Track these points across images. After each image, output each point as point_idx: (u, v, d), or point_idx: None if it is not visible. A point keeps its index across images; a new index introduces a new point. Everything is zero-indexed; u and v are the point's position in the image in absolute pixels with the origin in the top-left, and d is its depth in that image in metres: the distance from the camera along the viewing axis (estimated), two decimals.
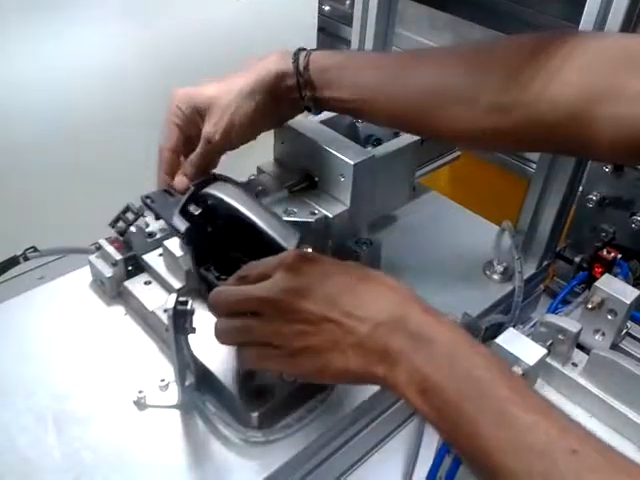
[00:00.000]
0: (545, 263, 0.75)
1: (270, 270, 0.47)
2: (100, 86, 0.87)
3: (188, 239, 0.59)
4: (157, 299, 0.62)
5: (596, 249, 0.72)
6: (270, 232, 0.57)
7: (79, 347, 0.60)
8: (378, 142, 0.79)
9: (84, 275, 0.68)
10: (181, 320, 0.49)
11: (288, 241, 0.57)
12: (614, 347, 0.64)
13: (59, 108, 0.84)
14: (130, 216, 0.66)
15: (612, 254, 0.70)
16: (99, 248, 0.66)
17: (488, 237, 0.76)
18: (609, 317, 0.61)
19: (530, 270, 0.73)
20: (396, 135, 0.76)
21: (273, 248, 0.56)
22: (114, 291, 0.65)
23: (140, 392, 0.55)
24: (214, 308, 0.50)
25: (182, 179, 0.62)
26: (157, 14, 0.91)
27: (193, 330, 0.51)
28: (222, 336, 0.49)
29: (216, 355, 0.56)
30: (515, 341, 0.56)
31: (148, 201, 0.65)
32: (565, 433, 0.37)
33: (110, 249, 0.65)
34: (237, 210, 0.59)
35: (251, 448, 0.52)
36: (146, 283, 0.64)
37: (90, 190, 0.88)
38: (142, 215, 0.66)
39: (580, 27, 0.61)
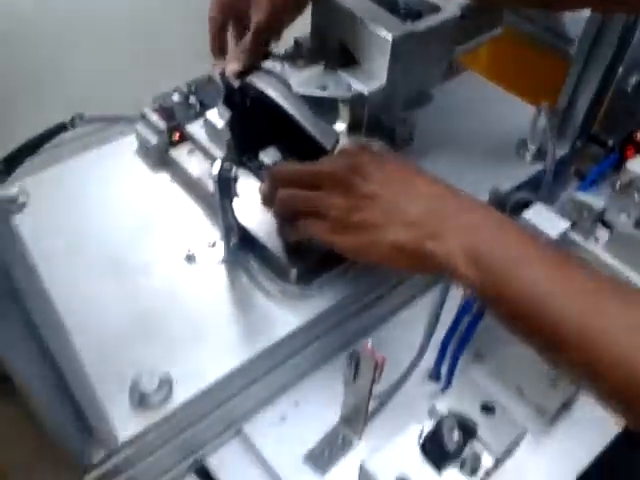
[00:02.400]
0: (578, 145, 0.76)
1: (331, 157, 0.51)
2: None
3: (231, 128, 0.62)
4: (201, 167, 0.66)
5: (630, 132, 0.72)
6: (310, 129, 0.60)
7: (131, 209, 0.65)
8: (418, 15, 0.77)
9: (131, 142, 0.71)
10: (226, 185, 0.53)
11: (327, 140, 0.59)
12: (637, 225, 0.66)
13: None
14: (176, 98, 0.68)
15: None
16: (144, 117, 0.69)
17: (524, 118, 0.76)
18: (636, 196, 0.63)
19: (563, 151, 0.74)
20: (436, 9, 0.74)
21: (311, 145, 0.59)
22: (159, 159, 0.69)
23: (189, 249, 0.61)
24: (275, 179, 0.53)
25: (232, 66, 0.62)
26: None
27: (237, 195, 0.55)
28: (280, 205, 0.53)
29: (257, 219, 0.60)
30: (541, 215, 0.58)
31: (192, 88, 0.68)
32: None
33: (154, 118, 0.68)
34: (278, 105, 0.61)
35: (289, 300, 0.58)
36: (189, 152, 0.68)
37: (138, 64, 0.90)
38: (187, 100, 0.69)
39: None
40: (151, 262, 0.60)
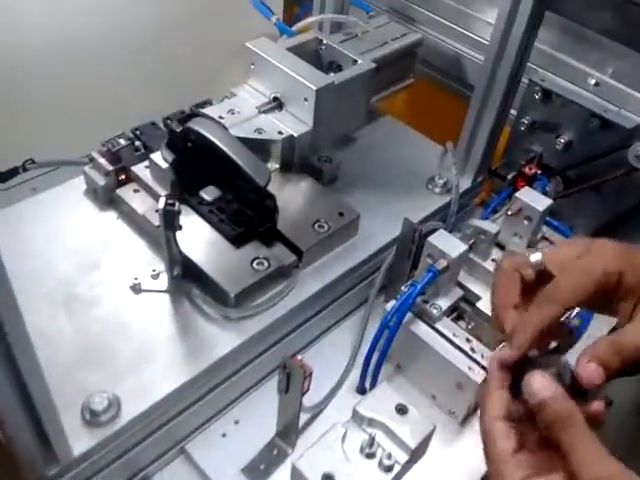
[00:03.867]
0: (480, 179, 0.87)
1: None
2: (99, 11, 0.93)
3: (174, 169, 0.70)
4: (146, 204, 0.72)
5: (520, 166, 0.84)
6: (246, 168, 0.68)
7: (78, 245, 0.71)
8: (339, 68, 0.88)
9: (79, 184, 0.77)
10: (170, 218, 0.60)
11: (260, 177, 0.68)
12: (529, 246, 0.77)
13: (60, 26, 0.90)
14: (122, 141, 0.75)
15: (532, 170, 0.82)
16: (92, 160, 0.75)
17: (433, 156, 0.88)
18: (525, 222, 0.74)
19: (465, 185, 0.86)
20: (355, 62, 0.85)
21: (247, 181, 0.67)
22: (106, 198, 0.75)
23: (135, 279, 0.67)
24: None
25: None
26: None
27: (180, 227, 0.62)
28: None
29: (199, 250, 0.67)
30: (444, 239, 0.68)
31: (137, 132, 0.75)
32: None
33: (102, 161, 0.74)
34: (216, 146, 0.69)
35: (228, 323, 0.65)
36: (135, 191, 0.74)
37: (84, 108, 0.96)
38: (132, 144, 0.76)
39: None
40: (100, 294, 0.66)
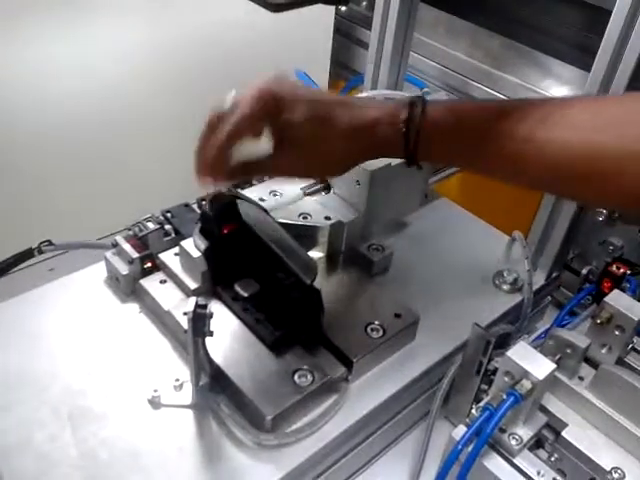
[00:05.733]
0: (554, 275, 0.76)
1: None
2: (119, 85, 0.87)
3: (207, 258, 0.61)
4: (172, 298, 0.63)
5: (605, 264, 0.73)
6: (289, 262, 0.59)
7: (93, 343, 0.61)
8: None
9: (99, 271, 0.68)
10: (200, 323, 0.50)
11: (306, 274, 0.58)
12: (619, 361, 0.65)
13: (80, 103, 0.84)
14: (150, 225, 0.67)
15: (621, 270, 0.71)
16: (115, 245, 0.67)
17: (498, 246, 0.77)
18: (617, 333, 0.62)
19: (539, 281, 0.74)
20: None
21: (289, 274, 0.58)
22: (129, 288, 0.66)
23: (155, 391, 0.56)
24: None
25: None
26: (167, 14, 0.91)
27: (211, 333, 0.52)
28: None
29: (231, 357, 0.57)
30: (525, 354, 0.57)
31: (168, 215, 0.67)
32: None
33: (127, 246, 0.66)
34: (256, 234, 0.60)
35: (263, 451, 0.53)
36: (161, 282, 0.65)
37: (105, 186, 0.89)
38: (162, 228, 0.67)
39: (604, 37, 0.61)
40: (112, 408, 0.55)
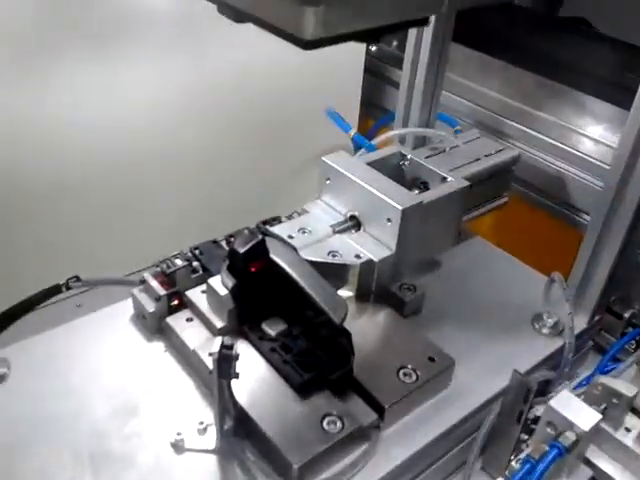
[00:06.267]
0: (597, 318, 0.72)
1: None
2: (149, 123, 0.89)
3: (234, 296, 0.59)
4: (198, 337, 0.61)
5: None
6: (319, 301, 0.57)
7: (118, 383, 0.60)
8: (425, 185, 0.78)
9: (126, 307, 0.68)
10: (226, 365, 0.48)
11: (336, 314, 0.56)
12: None
13: (108, 141, 0.85)
14: (178, 262, 0.66)
15: None
16: (143, 282, 0.66)
17: (535, 288, 0.74)
18: None
19: (581, 325, 0.71)
20: (444, 180, 0.75)
21: (318, 313, 0.57)
22: (155, 326, 0.65)
23: (178, 434, 0.54)
24: None
25: None
26: (203, 53, 0.92)
27: (237, 375, 0.50)
28: None
29: (257, 400, 0.55)
30: (569, 404, 0.53)
31: (197, 252, 0.66)
32: None
33: (154, 284, 0.65)
34: (285, 272, 0.59)
35: None
36: (188, 320, 0.64)
37: (134, 222, 0.89)
38: (190, 265, 0.66)
39: None
40: (135, 451, 0.54)
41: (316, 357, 0.58)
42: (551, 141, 0.86)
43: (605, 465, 0.57)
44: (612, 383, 0.56)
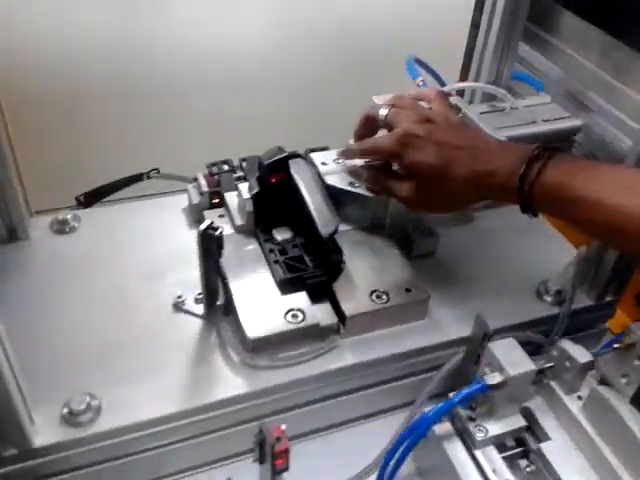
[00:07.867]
0: (608, 299, 0.70)
1: None
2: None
3: (254, 201, 0.69)
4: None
5: None
6: (314, 214, 0.64)
7: (153, 254, 0.72)
8: None
9: (182, 199, 0.80)
10: (207, 243, 0.58)
11: (325, 227, 0.63)
12: (633, 402, 0.59)
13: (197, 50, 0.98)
14: (225, 167, 0.78)
15: None
16: (196, 179, 0.78)
17: (561, 258, 0.73)
18: (636, 362, 0.57)
19: (585, 301, 0.70)
20: None
21: (311, 228, 0.64)
22: (196, 217, 0.77)
23: (179, 297, 0.66)
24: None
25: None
26: None
27: (219, 254, 0.60)
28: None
29: (245, 286, 0.64)
30: (509, 350, 0.55)
31: (243, 163, 0.77)
32: None
33: (202, 182, 0.77)
34: (297, 186, 0.67)
35: (244, 368, 0.60)
36: (220, 216, 0.75)
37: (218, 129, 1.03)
38: (234, 171, 0.77)
39: None
40: (144, 303, 0.66)
41: (303, 263, 0.66)
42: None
43: (546, 421, 0.58)
44: (567, 346, 0.57)
